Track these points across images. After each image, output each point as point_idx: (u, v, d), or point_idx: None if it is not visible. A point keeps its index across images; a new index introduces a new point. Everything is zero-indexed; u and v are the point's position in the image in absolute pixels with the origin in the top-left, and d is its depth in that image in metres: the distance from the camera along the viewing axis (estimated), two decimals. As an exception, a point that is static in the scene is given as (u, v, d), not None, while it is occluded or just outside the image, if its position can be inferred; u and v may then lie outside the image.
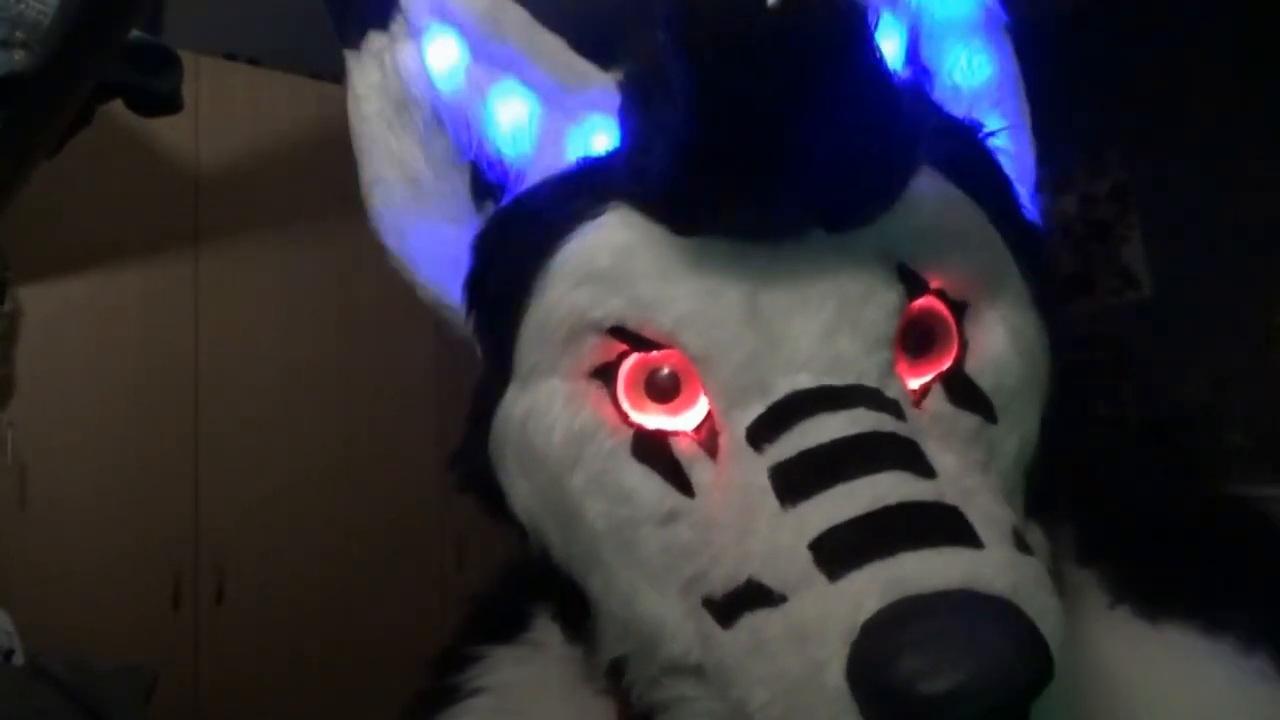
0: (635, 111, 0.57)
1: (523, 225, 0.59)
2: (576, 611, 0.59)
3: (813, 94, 0.46)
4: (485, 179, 0.65)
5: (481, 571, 0.65)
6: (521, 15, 0.65)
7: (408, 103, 0.67)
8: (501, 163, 0.64)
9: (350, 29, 0.68)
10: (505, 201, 0.63)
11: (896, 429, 0.49)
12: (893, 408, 0.51)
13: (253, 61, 2.28)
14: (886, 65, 0.49)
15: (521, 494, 0.58)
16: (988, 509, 0.47)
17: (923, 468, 0.48)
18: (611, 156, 0.58)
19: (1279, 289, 2.49)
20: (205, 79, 2.07)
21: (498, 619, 0.72)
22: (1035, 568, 0.46)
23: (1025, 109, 0.66)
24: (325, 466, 2.21)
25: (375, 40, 0.68)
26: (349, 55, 0.69)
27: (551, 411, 0.55)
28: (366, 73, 0.68)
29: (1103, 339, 2.59)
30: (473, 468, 0.61)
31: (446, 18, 0.65)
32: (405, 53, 0.67)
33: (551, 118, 0.63)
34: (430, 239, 0.67)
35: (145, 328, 2.04)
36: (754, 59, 0.45)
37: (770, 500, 0.48)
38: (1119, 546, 0.63)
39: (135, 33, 1.02)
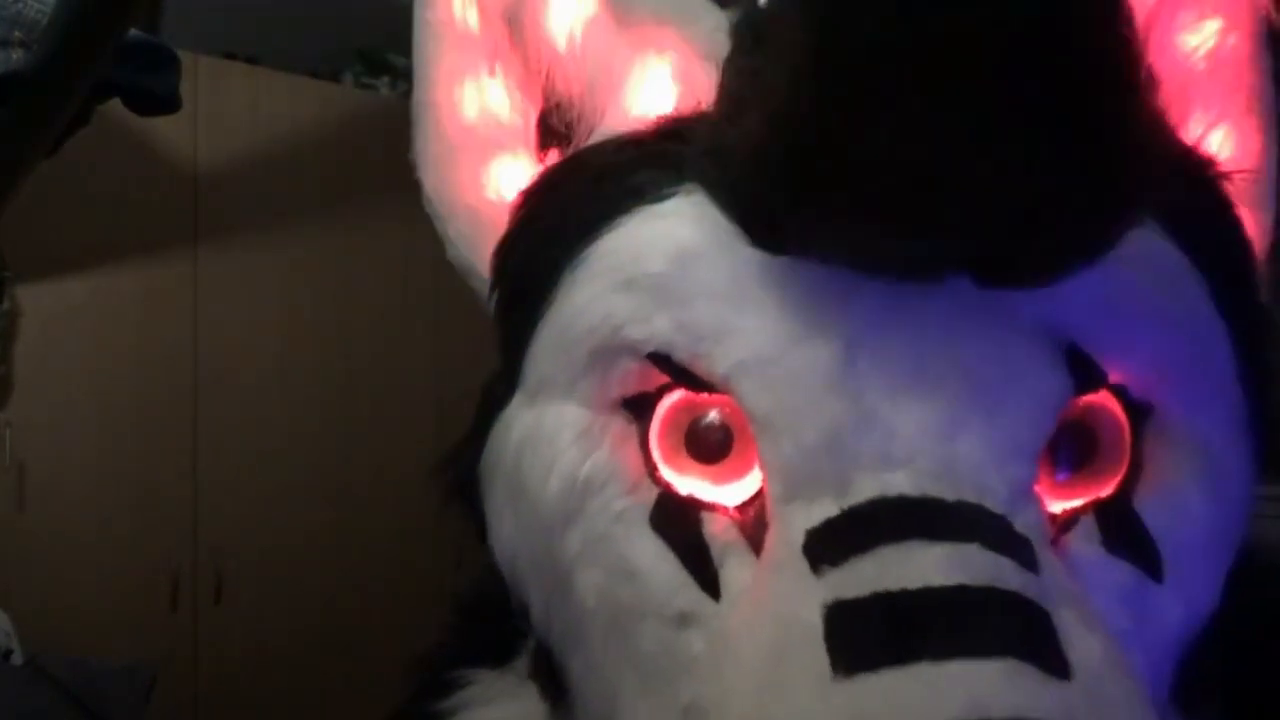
0: (737, 67, 0.41)
1: (570, 191, 0.46)
2: (557, 682, 0.47)
3: (1008, 71, 0.30)
4: (554, 121, 0.50)
5: (480, 573, 0.58)
6: None
7: (480, 4, 0.52)
8: (574, 103, 0.49)
9: None
10: (565, 156, 0.49)
11: (1022, 587, 0.34)
12: (1021, 549, 0.36)
13: (251, 61, 2.27)
14: (1138, 54, 0.32)
15: (505, 531, 0.46)
16: None
17: (1052, 660, 0.33)
18: (700, 121, 0.43)
19: (1278, 288, 2.49)
20: (204, 78, 2.06)
21: (488, 634, 0.58)
22: None
23: (1275, 132, 0.48)
24: (324, 467, 2.20)
25: None
26: None
27: (556, 444, 0.43)
28: None
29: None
30: (465, 478, 0.50)
31: None
32: None
33: (640, 56, 0.47)
34: (477, 186, 0.52)
35: (145, 328, 2.04)
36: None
37: (819, 657, 0.33)
38: None
39: (134, 32, 1.02)
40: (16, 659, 1.05)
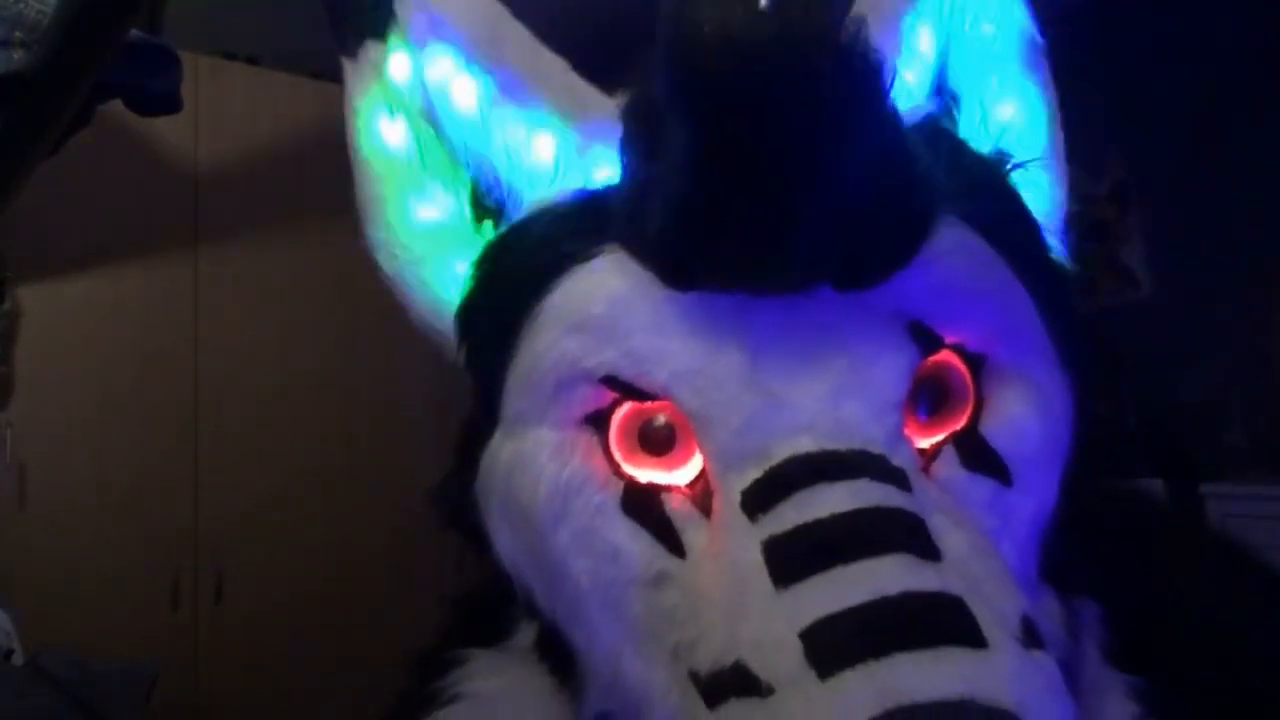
0: (634, 150, 0.54)
1: (515, 259, 0.58)
2: (562, 656, 0.57)
3: (822, 147, 0.43)
4: (485, 200, 0.62)
5: (481, 573, 0.64)
6: (523, 35, 0.63)
7: (404, 117, 0.64)
8: (500, 185, 0.61)
9: (348, 37, 0.66)
10: (503, 228, 0.61)
11: (903, 503, 0.47)
12: (899, 477, 0.48)
13: (251, 61, 2.28)
14: (901, 119, 0.47)
15: (505, 542, 0.57)
16: (996, 599, 0.45)
17: (927, 549, 0.45)
18: (610, 193, 0.56)
19: (1278, 288, 2.49)
20: (204, 79, 2.06)
21: (482, 621, 0.69)
22: (1045, 670, 0.44)
23: (1059, 138, 0.63)
24: (324, 467, 2.21)
25: (373, 50, 0.65)
26: (346, 64, 0.66)
27: (538, 463, 0.53)
28: (364, 83, 0.65)
29: (1102, 339, 2.59)
30: (457, 506, 0.60)
31: (444, 35, 0.62)
32: (402, 66, 0.64)
33: (552, 143, 0.61)
34: (426, 259, 0.64)
35: (145, 328, 2.04)
36: (757, 108, 0.42)
37: (763, 580, 0.46)
38: (1158, 657, 0.58)
39: (135, 32, 1.02)
40: (17, 659, 1.06)
